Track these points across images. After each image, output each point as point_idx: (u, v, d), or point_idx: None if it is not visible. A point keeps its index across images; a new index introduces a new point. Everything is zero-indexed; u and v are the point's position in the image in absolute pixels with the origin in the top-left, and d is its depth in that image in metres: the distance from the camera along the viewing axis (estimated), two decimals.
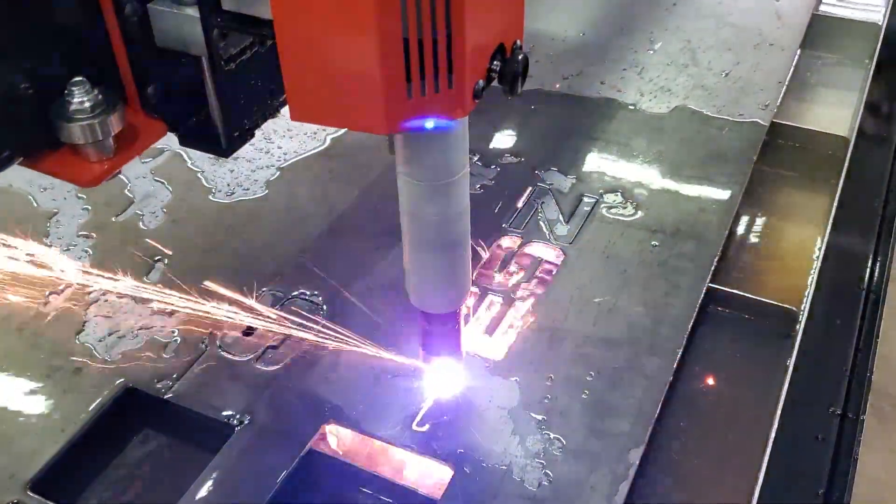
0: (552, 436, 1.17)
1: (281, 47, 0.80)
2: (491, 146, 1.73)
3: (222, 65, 0.90)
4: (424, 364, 1.22)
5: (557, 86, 1.88)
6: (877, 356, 1.35)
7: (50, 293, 1.43)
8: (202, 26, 0.86)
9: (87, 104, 0.86)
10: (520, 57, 0.89)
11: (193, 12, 0.86)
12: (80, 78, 0.86)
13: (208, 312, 1.32)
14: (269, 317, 1.31)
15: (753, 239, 1.54)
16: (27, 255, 1.48)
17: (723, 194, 1.59)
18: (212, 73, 0.90)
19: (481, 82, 0.86)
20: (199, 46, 0.88)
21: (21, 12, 0.83)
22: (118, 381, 1.26)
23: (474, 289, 1.40)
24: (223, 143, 0.96)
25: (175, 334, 1.34)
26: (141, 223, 1.58)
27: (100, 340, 1.34)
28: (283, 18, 0.78)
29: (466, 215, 1.04)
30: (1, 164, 0.86)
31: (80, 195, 1.64)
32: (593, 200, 1.58)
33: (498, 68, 0.88)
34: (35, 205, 1.63)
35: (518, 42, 0.91)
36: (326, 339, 1.30)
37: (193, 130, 0.97)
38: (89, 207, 1.62)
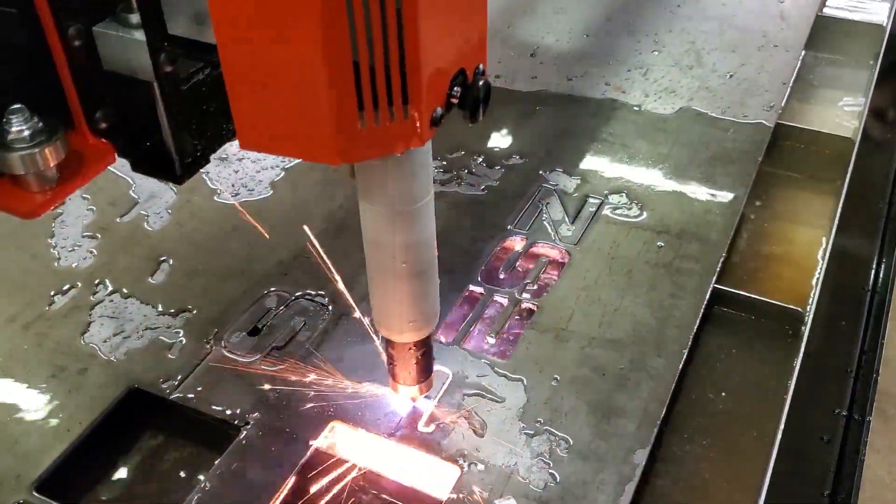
0: (558, 436, 1.17)
1: (226, 73, 0.76)
2: (495, 147, 1.73)
3: (173, 90, 0.86)
4: (393, 392, 1.19)
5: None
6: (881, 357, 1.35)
7: (55, 293, 1.43)
8: (149, 51, 0.82)
9: (25, 133, 0.81)
10: (481, 83, 0.85)
11: (140, 36, 0.82)
12: (18, 105, 0.81)
13: None
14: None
15: (759, 240, 1.54)
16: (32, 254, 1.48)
17: (728, 195, 1.59)
18: (163, 99, 0.86)
19: (440, 110, 0.81)
20: (146, 71, 0.84)
21: None
22: (123, 381, 1.26)
23: (479, 289, 1.40)
24: (177, 170, 0.92)
25: (180, 335, 1.34)
26: (146, 224, 1.58)
27: (105, 341, 1.34)
28: (226, 42, 0.74)
29: (432, 243, 1.00)
30: None
31: (84, 196, 1.65)
32: (598, 201, 1.57)
33: (458, 94, 0.83)
34: None
35: (481, 66, 0.87)
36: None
37: (146, 156, 0.93)
38: (94, 208, 1.62)
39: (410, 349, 1.11)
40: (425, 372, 1.15)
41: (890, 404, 2.47)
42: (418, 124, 0.79)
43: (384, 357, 1.18)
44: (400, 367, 1.13)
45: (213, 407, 1.22)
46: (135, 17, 0.82)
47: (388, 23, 0.72)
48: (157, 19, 0.82)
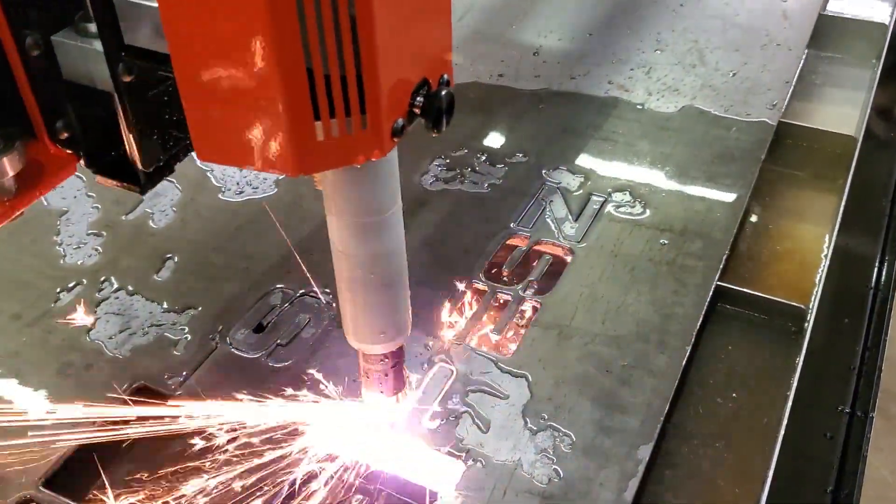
0: (561, 432, 1.17)
1: (180, 84, 0.74)
2: (499, 145, 1.74)
3: (133, 99, 0.84)
4: (363, 403, 1.17)
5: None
6: (884, 357, 1.35)
7: (61, 290, 1.44)
8: (107, 61, 0.81)
9: None
10: (443, 93, 0.82)
11: (98, 46, 0.81)
12: None
13: None
14: None
15: (761, 237, 1.54)
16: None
17: (731, 193, 1.59)
18: (122, 108, 0.84)
19: (401, 120, 0.79)
20: (105, 82, 0.82)
21: None
22: (129, 378, 1.27)
23: (482, 286, 1.41)
24: (141, 178, 0.90)
25: (185, 331, 1.35)
26: (151, 221, 1.58)
27: (110, 337, 1.35)
28: (179, 53, 0.72)
29: (399, 252, 0.98)
30: None
31: (89, 194, 1.65)
32: (601, 199, 1.58)
33: (420, 104, 0.80)
34: (45, 203, 1.63)
35: (445, 76, 0.84)
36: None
37: (108, 165, 0.91)
38: (99, 206, 1.63)
39: (382, 361, 1.08)
40: (398, 383, 1.12)
41: (893, 403, 2.47)
42: (378, 135, 0.77)
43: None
44: (373, 379, 1.10)
45: (219, 403, 1.22)
46: (93, 27, 0.80)
47: (342, 28, 0.69)
48: (113, 29, 0.80)
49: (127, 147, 0.87)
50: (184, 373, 1.28)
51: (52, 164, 0.86)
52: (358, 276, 0.97)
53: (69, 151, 0.87)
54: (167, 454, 1.21)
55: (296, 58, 0.69)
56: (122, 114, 0.85)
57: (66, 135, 0.86)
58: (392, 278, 0.99)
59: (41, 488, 1.13)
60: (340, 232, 0.94)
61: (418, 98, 0.80)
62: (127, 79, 0.82)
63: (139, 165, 0.88)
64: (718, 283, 1.39)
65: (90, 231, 1.57)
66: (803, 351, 1.28)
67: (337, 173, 0.87)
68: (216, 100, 0.73)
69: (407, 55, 0.78)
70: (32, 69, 0.81)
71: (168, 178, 1.66)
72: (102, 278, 1.45)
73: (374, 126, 0.76)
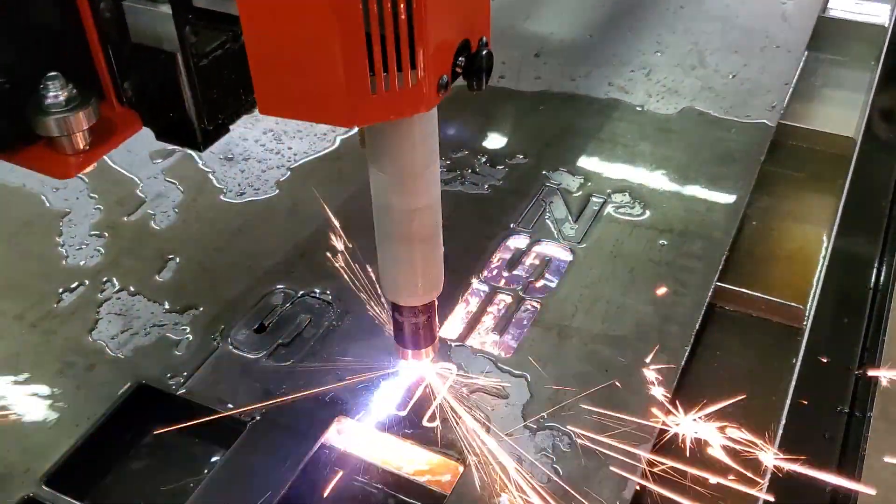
0: (561, 432, 1.18)
1: (248, 42, 0.81)
2: (499, 147, 1.75)
3: (196, 61, 0.91)
4: (399, 357, 1.22)
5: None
6: (886, 358, 1.35)
7: (63, 291, 1.44)
8: (175, 23, 0.87)
9: (61, 98, 0.86)
10: (484, 53, 0.90)
11: (166, 9, 0.87)
12: (54, 73, 0.86)
13: None
14: None
15: (761, 238, 1.54)
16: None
17: (730, 194, 1.60)
18: (186, 69, 0.91)
19: (445, 77, 0.87)
20: (172, 43, 0.89)
21: None
22: (130, 378, 1.28)
23: (483, 287, 1.41)
24: (198, 137, 0.97)
25: (187, 331, 1.35)
26: (152, 222, 1.59)
27: (112, 337, 1.36)
28: (249, 14, 0.80)
29: (436, 209, 1.05)
30: None
31: (91, 195, 1.66)
32: (601, 200, 1.59)
33: (463, 64, 0.89)
34: (47, 204, 1.64)
35: (484, 38, 0.92)
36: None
37: (169, 125, 0.98)
38: (101, 207, 1.63)
39: (416, 313, 1.13)
40: (431, 337, 1.17)
41: (894, 405, 2.47)
42: (425, 90, 0.84)
43: (390, 326, 1.21)
44: (406, 332, 1.16)
45: (220, 402, 1.23)
46: None
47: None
48: None
49: (186, 107, 0.94)
50: (185, 373, 1.28)
51: (120, 121, 0.93)
52: (397, 229, 1.04)
53: (133, 111, 0.93)
54: (167, 454, 1.22)
55: (355, 17, 0.77)
56: (183, 74, 0.92)
57: (130, 95, 0.93)
58: (429, 233, 1.05)
59: (43, 487, 1.14)
60: (383, 186, 1.01)
61: (460, 58, 0.88)
62: (192, 40, 0.89)
63: (197, 125, 0.95)
64: (718, 283, 1.40)
65: (92, 232, 1.57)
66: (801, 351, 1.29)
67: (385, 128, 0.94)
68: (280, 56, 0.81)
69: (451, 16, 0.85)
70: (104, 32, 0.88)
71: (169, 180, 1.68)
72: (104, 279, 1.46)
73: (421, 81, 0.83)
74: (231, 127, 1.00)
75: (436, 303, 1.14)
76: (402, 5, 0.78)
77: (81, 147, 0.90)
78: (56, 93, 0.86)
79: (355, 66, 0.79)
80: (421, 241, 1.05)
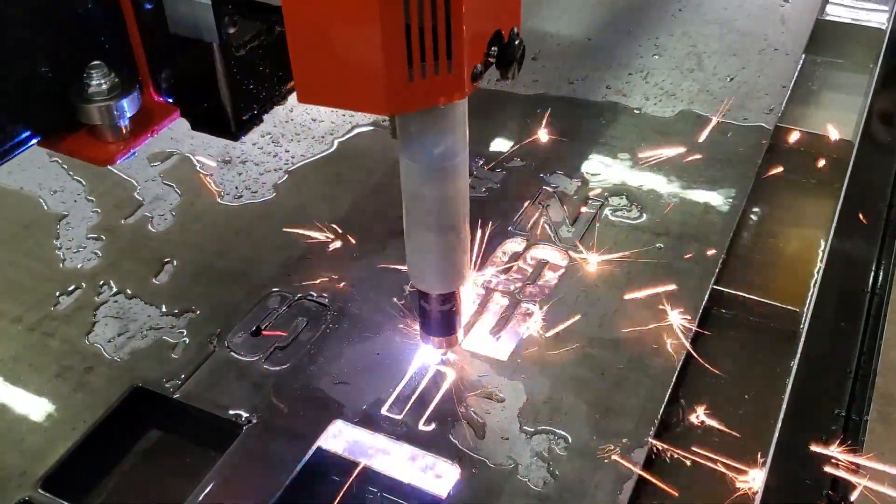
0: (557, 435, 1.18)
1: (289, 32, 0.83)
2: (496, 150, 1.75)
3: (233, 51, 0.94)
4: (423, 344, 1.26)
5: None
6: (882, 362, 1.36)
7: (60, 294, 1.44)
8: (214, 14, 0.90)
9: (104, 87, 0.89)
10: (516, 42, 0.93)
11: (206, 0, 0.89)
12: (98, 62, 0.89)
13: None
14: None
15: (758, 242, 1.54)
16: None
17: (727, 197, 1.60)
18: (222, 59, 0.94)
19: (479, 66, 0.89)
20: (210, 33, 0.92)
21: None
22: (127, 381, 1.28)
23: (480, 290, 1.41)
24: (232, 126, 1.00)
25: (184, 335, 1.35)
26: (150, 225, 1.59)
27: (109, 341, 1.36)
28: (291, 5, 0.82)
29: (465, 198, 1.07)
30: (21, 143, 0.89)
31: (89, 198, 1.66)
32: (598, 203, 1.59)
33: (495, 53, 0.91)
34: (45, 207, 1.64)
35: (515, 29, 0.94)
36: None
37: (204, 115, 1.00)
38: (99, 210, 1.63)
39: (444, 301, 1.16)
40: (454, 326, 1.21)
41: (894, 408, 2.47)
42: (461, 78, 0.87)
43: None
44: (433, 320, 1.20)
45: (216, 406, 1.23)
46: None
47: None
48: None
49: (222, 97, 0.98)
50: (182, 375, 1.28)
51: (158, 110, 0.97)
52: (427, 218, 1.06)
53: (170, 100, 0.97)
54: (164, 457, 1.22)
55: (396, 11, 0.79)
56: (220, 64, 0.95)
57: (167, 85, 0.96)
58: (457, 221, 1.08)
59: (40, 490, 1.14)
60: (413, 176, 1.03)
61: (493, 48, 0.91)
62: (231, 30, 0.92)
63: (231, 114, 0.98)
64: (714, 286, 1.40)
65: (90, 235, 1.57)
66: (798, 354, 1.29)
67: (417, 117, 0.97)
68: (320, 44, 0.83)
69: (487, 6, 0.88)
70: (144, 23, 0.92)
71: (167, 182, 1.68)
72: (101, 282, 1.46)
73: (457, 70, 0.86)
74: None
75: (460, 292, 1.18)
76: None
77: (122, 135, 0.93)
78: (99, 81, 0.89)
79: (395, 54, 0.81)
80: (449, 229, 1.08)
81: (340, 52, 0.83)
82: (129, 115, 0.91)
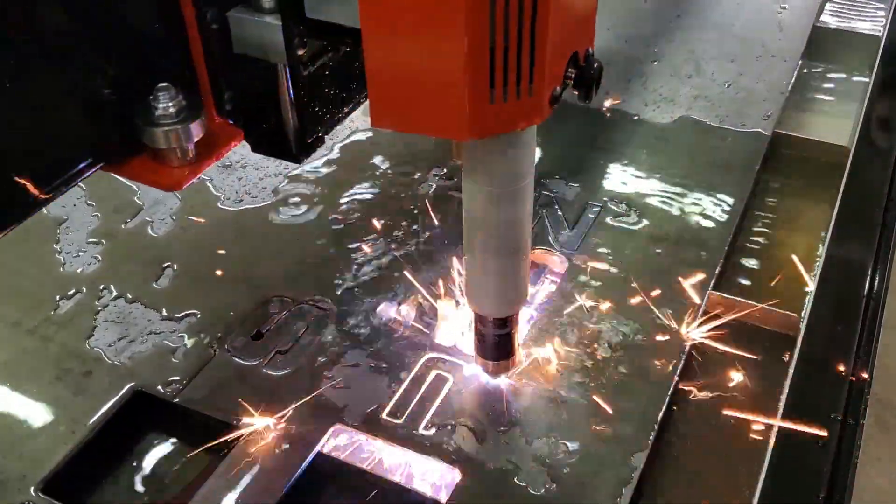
0: (557, 440, 1.19)
1: (367, 55, 0.81)
2: None
3: (300, 72, 0.91)
4: (483, 371, 1.25)
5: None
6: (879, 367, 1.36)
7: (60, 298, 1.45)
8: (283, 34, 0.87)
9: (172, 110, 0.86)
10: (595, 64, 0.92)
11: (274, 20, 0.87)
12: (165, 84, 0.86)
13: None
14: None
15: (755, 246, 1.55)
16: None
17: (726, 202, 1.61)
18: (289, 80, 0.91)
19: (558, 89, 0.88)
20: (278, 54, 0.89)
21: (104, 20, 0.84)
22: (127, 384, 1.28)
23: None
24: (294, 148, 0.97)
25: (184, 339, 1.36)
26: (150, 229, 1.60)
27: (109, 345, 1.36)
28: (371, 27, 0.79)
29: (529, 220, 1.06)
30: (85, 169, 0.87)
31: (89, 202, 1.66)
32: (597, 208, 1.59)
33: (573, 75, 0.89)
34: (45, 211, 1.65)
35: (590, 50, 0.93)
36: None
37: (265, 136, 0.98)
38: (98, 214, 1.64)
39: (503, 325, 1.15)
40: (508, 351, 1.19)
41: (891, 414, 2.48)
42: (540, 101, 0.85)
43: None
44: (490, 344, 1.18)
45: (217, 409, 1.24)
46: (268, 2, 0.87)
47: (525, 9, 0.78)
48: (295, 2, 0.86)
49: (286, 119, 0.94)
50: (182, 380, 1.28)
51: (221, 133, 0.94)
52: (492, 242, 1.04)
53: (231, 122, 0.94)
54: (164, 461, 1.23)
55: (482, 32, 0.77)
56: (286, 86, 0.91)
57: (230, 107, 0.93)
58: (521, 245, 1.06)
59: (39, 494, 1.14)
60: (479, 200, 1.00)
61: (570, 70, 0.89)
62: (300, 52, 0.89)
63: (294, 136, 0.95)
64: (712, 291, 1.41)
65: (90, 239, 1.58)
66: (795, 358, 1.30)
67: (489, 142, 0.93)
68: (400, 68, 0.80)
69: (567, 28, 0.86)
70: (208, 43, 0.88)
71: None
72: (102, 286, 1.46)
73: (537, 93, 0.84)
74: None
75: (518, 316, 1.16)
76: (527, 18, 0.78)
77: (188, 158, 0.90)
78: (167, 104, 0.86)
79: (478, 76, 0.79)
80: (514, 252, 1.06)
81: (421, 76, 0.80)
82: (195, 139, 0.88)
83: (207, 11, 0.87)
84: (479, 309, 1.14)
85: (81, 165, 0.86)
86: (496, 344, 1.18)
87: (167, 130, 0.86)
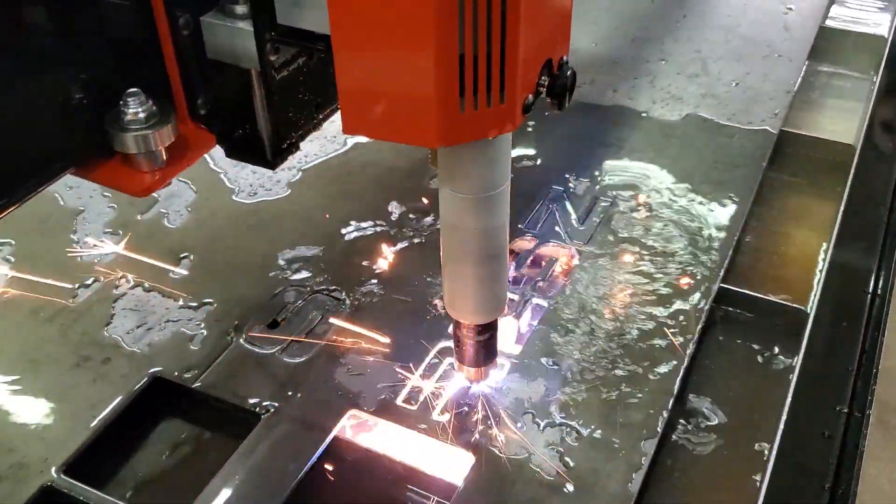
0: (569, 426, 1.21)
1: (337, 63, 0.80)
2: None
3: (273, 77, 0.91)
4: (459, 375, 1.24)
5: None
6: (881, 369, 1.38)
7: (79, 286, 1.47)
8: (255, 40, 0.87)
9: (141, 115, 0.87)
10: (568, 72, 0.90)
11: (246, 26, 0.87)
12: (135, 89, 0.86)
13: None
14: None
15: (762, 242, 1.57)
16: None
17: (733, 199, 1.63)
18: (261, 86, 0.91)
19: (530, 97, 0.87)
20: (250, 59, 0.88)
21: (77, 25, 0.84)
22: (146, 371, 1.30)
23: None
24: (269, 154, 0.97)
25: (202, 327, 1.38)
26: (166, 221, 1.62)
27: (128, 332, 1.38)
28: (340, 35, 0.79)
29: (506, 227, 1.04)
30: (54, 173, 0.87)
31: (105, 194, 1.69)
32: (607, 203, 1.62)
33: (546, 83, 0.88)
34: (61, 203, 1.67)
35: (564, 58, 0.92)
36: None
37: (239, 142, 0.97)
38: (115, 206, 1.66)
39: (480, 332, 1.14)
40: (488, 357, 1.18)
41: (891, 414, 2.49)
42: (512, 109, 0.85)
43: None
44: (467, 350, 1.17)
45: (235, 395, 1.26)
46: (241, 8, 0.87)
47: (493, 17, 0.77)
48: (267, 9, 0.86)
49: (260, 125, 0.94)
50: (200, 367, 1.31)
51: (194, 138, 0.93)
52: (467, 249, 1.03)
53: (206, 128, 0.93)
54: (182, 446, 1.25)
55: (451, 40, 0.76)
56: (259, 91, 0.91)
57: (203, 112, 0.92)
58: (498, 252, 1.04)
59: (62, 476, 1.16)
60: (454, 206, 0.99)
61: (543, 77, 0.88)
62: (273, 57, 0.88)
63: (268, 142, 0.95)
64: (720, 285, 1.43)
65: (106, 230, 1.60)
66: (801, 352, 1.32)
67: (463, 149, 0.92)
68: (371, 75, 0.80)
69: (539, 36, 0.85)
70: (181, 48, 0.88)
71: (182, 179, 1.71)
72: (119, 275, 1.49)
73: (509, 101, 0.83)
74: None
75: (497, 322, 1.15)
76: (496, 25, 0.77)
77: (158, 164, 0.90)
78: (136, 109, 0.86)
79: (447, 84, 0.78)
80: (491, 259, 1.04)
81: (391, 83, 0.79)
82: (165, 144, 0.89)
83: (180, 17, 0.87)
84: (458, 316, 1.12)
85: (51, 169, 0.87)
86: (476, 350, 1.16)
87: (135, 136, 0.86)
